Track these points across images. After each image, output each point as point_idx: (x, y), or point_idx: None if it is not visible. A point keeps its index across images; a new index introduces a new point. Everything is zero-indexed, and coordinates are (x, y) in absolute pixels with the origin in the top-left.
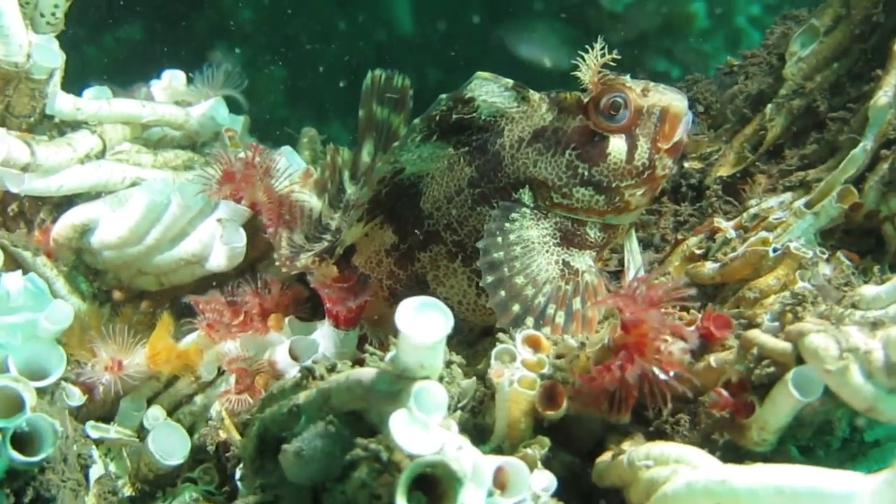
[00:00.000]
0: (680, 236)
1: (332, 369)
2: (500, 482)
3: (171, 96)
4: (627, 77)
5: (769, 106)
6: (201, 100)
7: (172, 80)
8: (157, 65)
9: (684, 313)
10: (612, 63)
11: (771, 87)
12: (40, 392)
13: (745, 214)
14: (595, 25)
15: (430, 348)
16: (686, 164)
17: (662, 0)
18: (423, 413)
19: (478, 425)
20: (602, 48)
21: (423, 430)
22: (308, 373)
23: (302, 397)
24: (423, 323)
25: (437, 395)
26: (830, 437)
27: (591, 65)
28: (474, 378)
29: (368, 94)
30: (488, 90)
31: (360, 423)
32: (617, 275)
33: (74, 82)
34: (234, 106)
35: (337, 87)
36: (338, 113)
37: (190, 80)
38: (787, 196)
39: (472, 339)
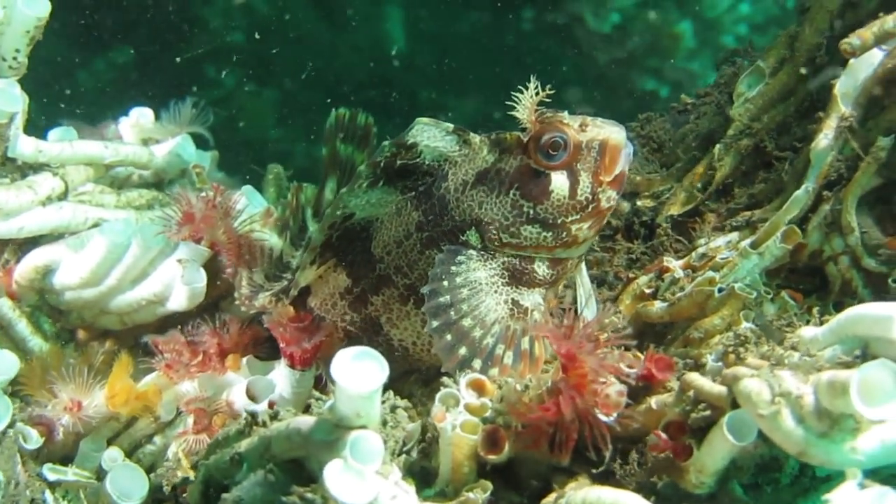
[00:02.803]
0: (632, 275)
1: (274, 417)
2: None
3: (138, 134)
4: (565, 113)
5: (718, 146)
6: (168, 137)
7: (140, 117)
8: (149, 88)
9: (628, 354)
10: (546, 99)
11: (721, 127)
12: None
13: (693, 254)
14: (583, 45)
15: (365, 398)
16: (639, 203)
17: (649, 20)
18: (358, 462)
19: (424, 468)
20: (536, 87)
21: (357, 479)
22: (252, 419)
23: (244, 445)
24: (360, 372)
25: (373, 443)
26: (778, 473)
27: (526, 104)
28: (420, 422)
29: (332, 132)
30: (430, 135)
31: (301, 471)
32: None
33: (67, 107)
34: (201, 142)
35: (329, 107)
36: None
37: (158, 117)
38: (735, 235)
39: (430, 378)
